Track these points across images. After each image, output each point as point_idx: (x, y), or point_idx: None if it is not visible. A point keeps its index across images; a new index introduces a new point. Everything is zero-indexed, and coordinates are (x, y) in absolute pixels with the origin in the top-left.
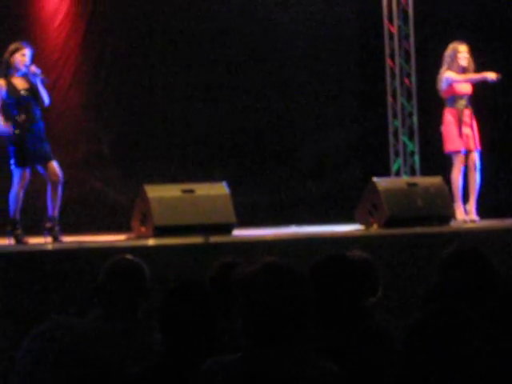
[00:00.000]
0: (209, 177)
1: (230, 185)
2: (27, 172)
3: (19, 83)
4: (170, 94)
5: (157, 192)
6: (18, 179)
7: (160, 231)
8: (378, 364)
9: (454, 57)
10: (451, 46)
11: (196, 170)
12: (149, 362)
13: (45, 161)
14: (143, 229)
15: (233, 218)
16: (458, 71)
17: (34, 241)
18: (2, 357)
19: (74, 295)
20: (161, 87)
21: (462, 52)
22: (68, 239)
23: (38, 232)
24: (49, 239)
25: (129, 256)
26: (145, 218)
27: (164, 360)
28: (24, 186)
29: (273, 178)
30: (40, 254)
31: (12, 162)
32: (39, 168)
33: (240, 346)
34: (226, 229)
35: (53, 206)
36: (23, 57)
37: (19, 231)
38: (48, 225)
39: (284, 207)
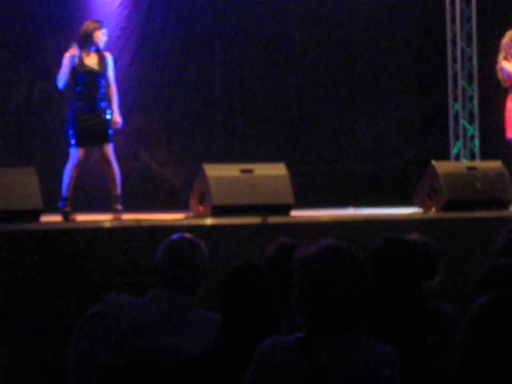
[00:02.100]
0: (268, 157)
1: (288, 165)
2: (82, 151)
3: (91, 59)
4: (230, 72)
5: (216, 171)
6: (72, 157)
7: (218, 211)
8: (436, 349)
9: (511, 45)
10: (508, 34)
11: (254, 149)
12: (207, 342)
13: (100, 142)
14: (201, 208)
15: (291, 199)
16: None
17: (88, 218)
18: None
19: (131, 274)
20: (221, 64)
21: None
22: (125, 217)
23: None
24: (109, 216)
25: (187, 235)
26: (203, 197)
27: (222, 340)
28: (77, 164)
29: (331, 158)
30: (97, 233)
31: (69, 138)
32: (96, 148)
33: (297, 327)
34: (284, 209)
35: (110, 187)
36: (104, 36)
37: (68, 208)
38: (113, 203)
39: (342, 188)
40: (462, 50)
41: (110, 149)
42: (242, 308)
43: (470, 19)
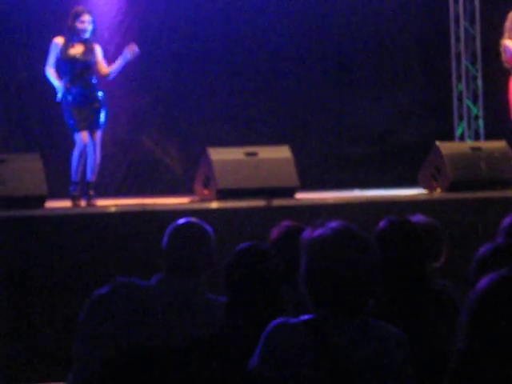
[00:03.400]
0: (272, 139)
1: (293, 148)
2: (85, 134)
3: (76, 48)
4: (233, 56)
5: (220, 155)
6: (77, 142)
7: (223, 194)
8: (441, 329)
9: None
10: (510, 16)
11: (258, 132)
12: (214, 325)
13: (91, 128)
14: (206, 192)
15: (296, 182)
16: None
17: (65, 205)
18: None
19: (138, 258)
20: (222, 49)
21: None
22: (129, 201)
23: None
24: (87, 202)
25: (193, 219)
26: (208, 181)
27: (229, 323)
28: (83, 148)
29: (336, 140)
30: (103, 216)
31: (69, 126)
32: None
33: (303, 310)
34: (289, 192)
35: (90, 171)
36: (82, 24)
37: (77, 192)
38: (85, 189)
39: (347, 170)
40: (466, 30)
41: (99, 136)
42: (249, 291)
43: None
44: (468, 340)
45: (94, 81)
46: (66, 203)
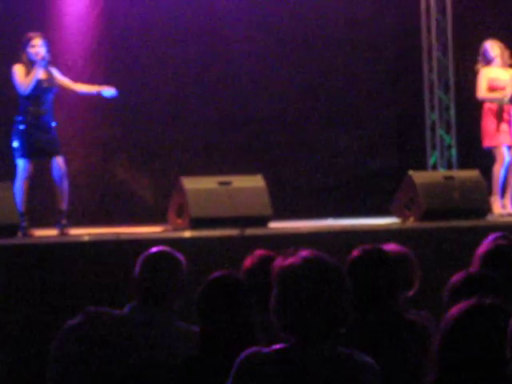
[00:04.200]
0: (245, 169)
1: (266, 177)
2: (31, 164)
3: (33, 71)
4: (207, 84)
5: (193, 184)
6: (21, 171)
7: (196, 223)
8: (414, 359)
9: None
10: (484, 45)
11: (232, 162)
12: (186, 354)
13: (49, 155)
14: (179, 221)
15: (269, 211)
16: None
17: (43, 233)
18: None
19: (110, 287)
20: (197, 76)
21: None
22: (102, 230)
23: (48, 225)
24: (60, 231)
25: (166, 248)
26: (181, 210)
27: (201, 352)
28: (27, 178)
29: (307, 169)
30: (76, 246)
31: (16, 153)
32: (45, 161)
33: (275, 339)
34: (262, 221)
35: (59, 200)
36: (33, 48)
37: (26, 223)
38: (57, 218)
39: (320, 199)
40: (438, 60)
41: (61, 161)
42: (221, 319)
43: (445, 29)
44: (438, 370)
45: (49, 106)
46: (45, 232)
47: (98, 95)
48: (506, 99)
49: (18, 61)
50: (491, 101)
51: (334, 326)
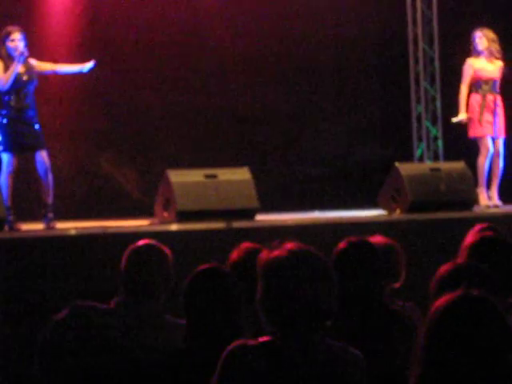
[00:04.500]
0: (231, 162)
1: (252, 169)
2: (15, 158)
3: (12, 65)
4: (194, 74)
5: (180, 177)
6: (6, 165)
7: (183, 216)
8: (399, 350)
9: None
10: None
11: (217, 154)
12: (173, 347)
13: (33, 149)
14: (166, 214)
15: (255, 203)
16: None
17: (29, 227)
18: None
19: (97, 281)
20: (180, 69)
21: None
22: (89, 224)
23: (35, 218)
24: (46, 225)
25: (152, 241)
26: (168, 203)
27: (188, 345)
28: (11, 172)
29: (294, 161)
30: (63, 240)
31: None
32: (29, 155)
33: (262, 331)
34: (249, 214)
35: (45, 194)
36: (13, 42)
37: (12, 217)
38: (43, 211)
39: (307, 192)
40: (424, 52)
41: (45, 155)
42: (207, 312)
43: (430, 21)
44: (424, 363)
45: (31, 99)
46: (31, 226)
47: (80, 73)
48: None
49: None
50: (460, 105)
51: (320, 319)
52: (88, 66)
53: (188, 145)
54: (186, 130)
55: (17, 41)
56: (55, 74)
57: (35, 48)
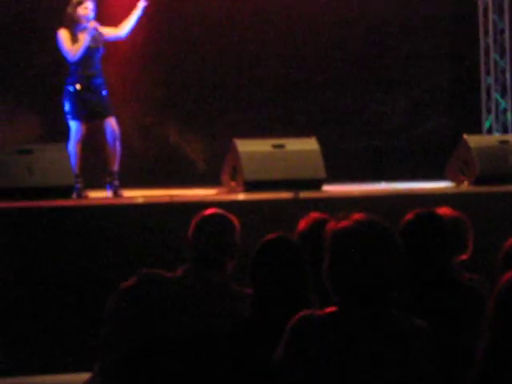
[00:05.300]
0: (298, 132)
1: (319, 140)
2: (83, 126)
3: (81, 37)
4: (255, 47)
5: (247, 146)
6: (74, 133)
7: (250, 186)
8: (467, 324)
9: None
10: None
11: (285, 124)
12: (239, 316)
13: (102, 117)
14: (233, 183)
15: (323, 174)
16: None
17: (96, 195)
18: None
19: (164, 249)
20: (246, 40)
21: None
22: (155, 193)
23: (100, 186)
24: (113, 193)
25: (219, 210)
26: (235, 173)
27: (254, 314)
28: (79, 140)
29: (362, 133)
30: (132, 208)
31: (67, 115)
32: (97, 123)
33: (328, 302)
34: (316, 184)
35: (111, 161)
36: (85, 10)
37: (80, 185)
38: (108, 179)
39: (374, 163)
40: (494, 23)
41: (114, 122)
42: (274, 282)
43: None
44: (493, 336)
45: (98, 68)
46: (98, 193)
47: (139, 18)
48: None
49: (62, 24)
50: None
51: (386, 289)
52: (141, 4)
53: (254, 114)
54: (253, 100)
55: (89, 9)
56: (119, 40)
57: (100, 13)
